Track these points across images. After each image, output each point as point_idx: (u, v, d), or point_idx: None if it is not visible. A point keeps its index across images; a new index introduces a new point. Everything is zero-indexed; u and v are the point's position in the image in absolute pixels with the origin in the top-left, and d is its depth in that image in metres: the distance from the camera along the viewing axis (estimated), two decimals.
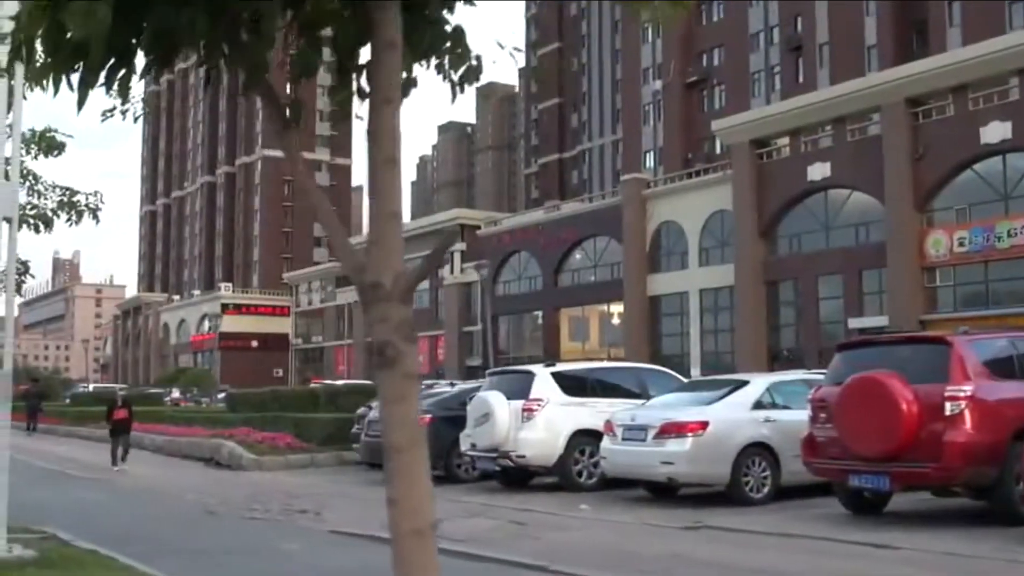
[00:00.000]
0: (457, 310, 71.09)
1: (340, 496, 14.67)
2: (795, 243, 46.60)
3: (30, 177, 8.97)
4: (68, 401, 49.60)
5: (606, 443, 13.11)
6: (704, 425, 12.09)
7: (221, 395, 44.33)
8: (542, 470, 14.49)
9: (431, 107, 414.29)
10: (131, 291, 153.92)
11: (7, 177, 7.58)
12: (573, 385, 14.63)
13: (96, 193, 9.32)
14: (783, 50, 63.22)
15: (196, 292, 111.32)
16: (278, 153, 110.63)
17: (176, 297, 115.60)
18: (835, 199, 44.88)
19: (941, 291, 41.36)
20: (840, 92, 44.70)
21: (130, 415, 20.76)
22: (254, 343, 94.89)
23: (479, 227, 68.43)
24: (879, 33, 55.79)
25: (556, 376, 14.60)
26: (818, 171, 44.47)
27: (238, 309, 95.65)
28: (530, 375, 14.70)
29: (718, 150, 63.72)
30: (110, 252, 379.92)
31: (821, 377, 14.22)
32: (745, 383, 13.05)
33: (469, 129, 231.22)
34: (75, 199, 9.12)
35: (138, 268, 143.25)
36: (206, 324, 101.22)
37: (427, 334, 75.04)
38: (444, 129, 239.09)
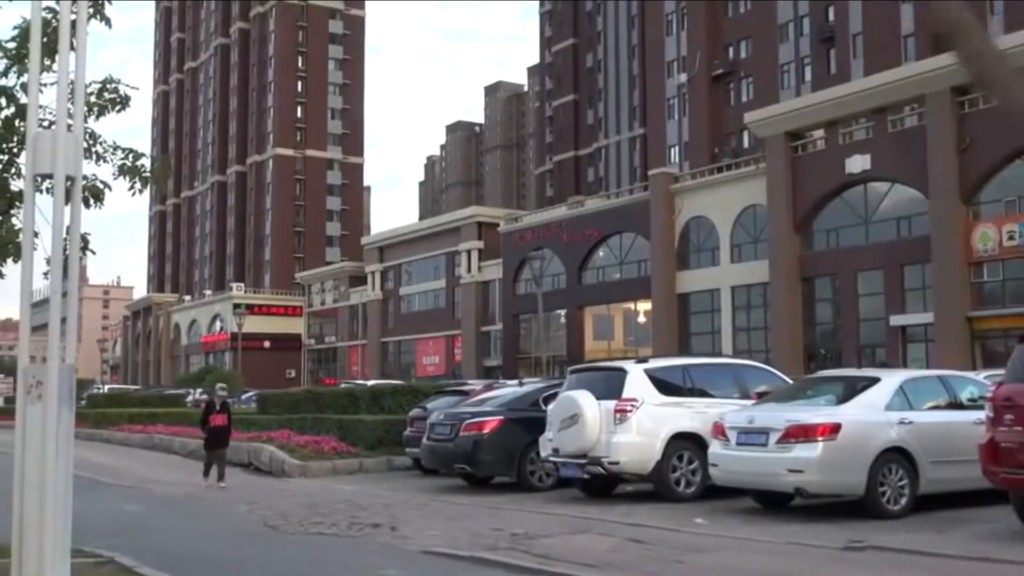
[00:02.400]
0: (474, 310, 69.68)
1: (408, 507, 13.22)
2: (832, 238, 45.15)
3: (87, 136, 7.51)
4: (84, 403, 48.16)
5: (716, 448, 11.66)
6: (836, 428, 10.65)
7: (245, 396, 42.87)
8: (636, 478, 13.00)
9: (439, 107, 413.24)
10: (139, 292, 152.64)
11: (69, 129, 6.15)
12: (668, 383, 13.15)
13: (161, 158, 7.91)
14: (814, 41, 61.61)
15: (207, 292, 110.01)
16: (289, 151, 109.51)
17: (187, 297, 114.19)
18: (875, 192, 43.46)
19: (989, 287, 39.91)
20: (881, 81, 43.24)
21: (229, 422, 17.25)
22: (266, 343, 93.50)
23: (497, 225, 66.91)
24: (916, 22, 54.21)
25: (650, 373, 13.10)
26: (857, 163, 43.05)
27: (250, 309, 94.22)
28: (621, 372, 13.19)
29: (746, 144, 62.21)
30: (116, 253, 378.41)
31: (957, 375, 12.85)
32: (875, 380, 11.58)
33: (477, 129, 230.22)
34: (139, 163, 7.68)
35: (148, 269, 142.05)
36: (217, 324, 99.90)
37: (444, 334, 73.72)
38: (452, 129, 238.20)
